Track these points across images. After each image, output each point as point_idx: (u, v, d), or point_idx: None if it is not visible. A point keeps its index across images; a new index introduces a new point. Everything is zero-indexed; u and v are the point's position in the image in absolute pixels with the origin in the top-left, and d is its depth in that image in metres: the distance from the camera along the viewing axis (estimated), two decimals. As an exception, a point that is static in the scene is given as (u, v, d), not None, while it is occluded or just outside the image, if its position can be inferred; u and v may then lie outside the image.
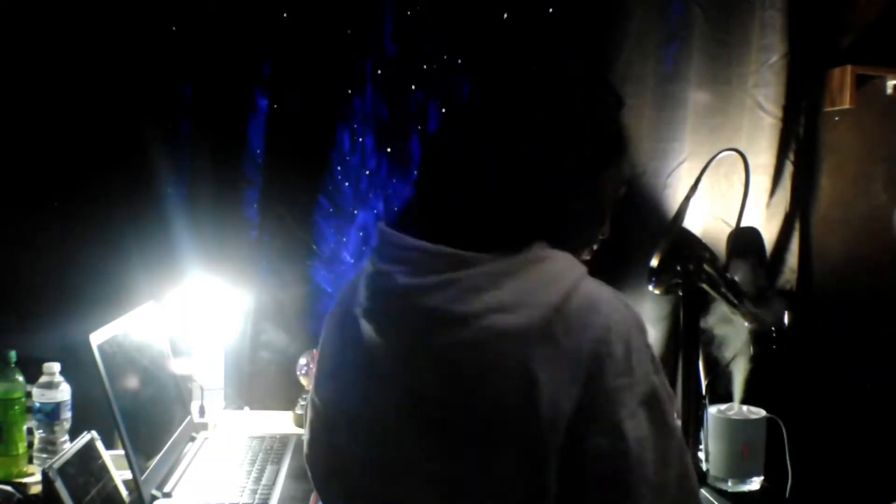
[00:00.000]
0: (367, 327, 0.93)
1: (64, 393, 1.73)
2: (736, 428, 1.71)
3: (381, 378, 0.92)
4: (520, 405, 0.82)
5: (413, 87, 2.19)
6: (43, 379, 1.72)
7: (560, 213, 0.91)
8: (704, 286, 1.63)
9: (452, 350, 0.86)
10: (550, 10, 2.16)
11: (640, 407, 0.83)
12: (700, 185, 1.78)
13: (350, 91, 2.20)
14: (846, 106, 2.13)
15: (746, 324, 1.62)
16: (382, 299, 0.92)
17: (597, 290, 0.89)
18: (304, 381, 2.08)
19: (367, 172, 2.22)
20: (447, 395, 0.87)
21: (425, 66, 2.18)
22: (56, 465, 1.39)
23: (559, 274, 0.87)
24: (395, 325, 0.91)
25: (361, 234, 2.25)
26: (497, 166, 0.89)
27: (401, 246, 0.92)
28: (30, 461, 1.73)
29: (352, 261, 2.24)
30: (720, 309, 1.68)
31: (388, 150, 2.22)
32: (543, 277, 0.86)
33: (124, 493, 1.54)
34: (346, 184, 2.23)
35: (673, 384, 2.25)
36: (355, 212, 2.25)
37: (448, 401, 0.87)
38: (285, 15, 2.14)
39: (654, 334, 2.23)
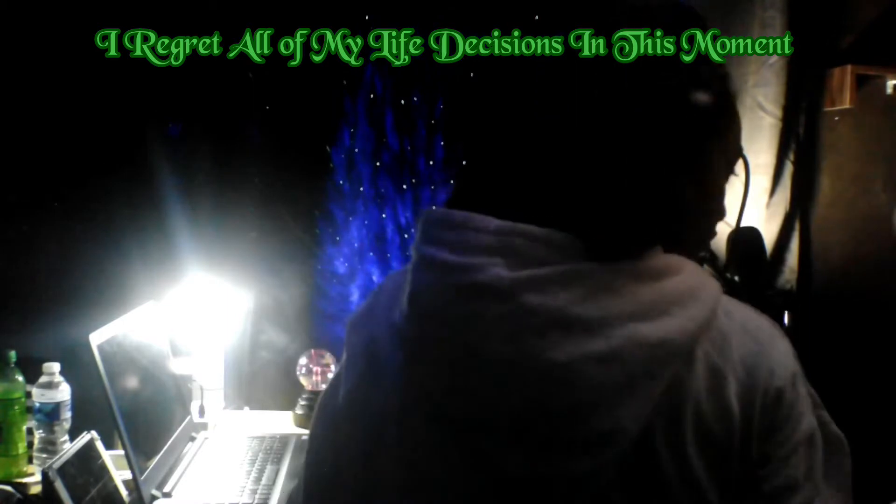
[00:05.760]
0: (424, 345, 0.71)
1: (64, 393, 1.73)
2: (736, 428, 1.71)
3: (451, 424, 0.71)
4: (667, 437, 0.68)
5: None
6: (43, 379, 1.72)
7: (674, 202, 0.75)
8: (704, 286, 1.63)
9: (579, 365, 0.65)
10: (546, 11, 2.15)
11: (796, 452, 0.73)
12: (700, 185, 1.78)
13: (350, 89, 2.20)
14: (846, 106, 2.13)
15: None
16: (462, 303, 0.68)
17: (745, 311, 0.79)
18: (303, 381, 2.08)
19: (368, 171, 2.22)
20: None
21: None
22: (56, 465, 1.39)
23: (695, 286, 0.73)
24: (489, 336, 0.67)
25: (363, 232, 2.25)
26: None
27: (489, 230, 0.69)
28: (30, 461, 1.73)
29: (347, 264, 2.24)
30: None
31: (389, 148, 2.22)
32: (679, 287, 0.71)
33: (124, 493, 1.54)
34: (346, 183, 2.23)
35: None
36: (355, 210, 2.25)
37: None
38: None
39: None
